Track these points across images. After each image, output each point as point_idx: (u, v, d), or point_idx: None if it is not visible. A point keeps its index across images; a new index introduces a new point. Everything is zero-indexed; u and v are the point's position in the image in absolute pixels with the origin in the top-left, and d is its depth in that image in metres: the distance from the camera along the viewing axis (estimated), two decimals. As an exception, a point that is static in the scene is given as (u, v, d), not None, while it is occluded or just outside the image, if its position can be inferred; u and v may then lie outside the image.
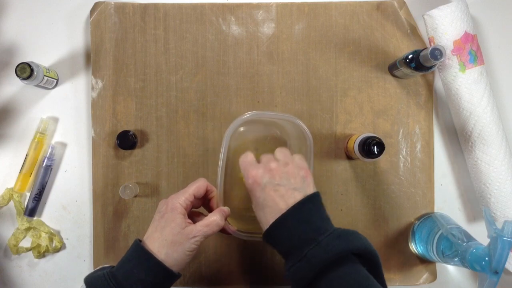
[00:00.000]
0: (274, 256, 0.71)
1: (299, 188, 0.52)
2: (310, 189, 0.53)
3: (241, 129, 0.70)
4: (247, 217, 0.68)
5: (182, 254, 0.52)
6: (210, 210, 0.59)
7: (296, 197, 0.51)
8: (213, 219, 0.55)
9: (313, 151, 0.63)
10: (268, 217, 0.51)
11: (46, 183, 0.72)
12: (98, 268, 0.55)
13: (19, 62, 0.65)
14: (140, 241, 0.54)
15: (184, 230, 0.53)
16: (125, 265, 0.52)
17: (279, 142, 0.70)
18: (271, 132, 0.70)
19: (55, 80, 0.72)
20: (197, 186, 0.56)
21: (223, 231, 0.59)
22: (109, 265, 0.55)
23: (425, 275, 0.72)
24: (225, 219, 0.57)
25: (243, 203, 0.70)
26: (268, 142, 0.70)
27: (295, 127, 0.66)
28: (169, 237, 0.52)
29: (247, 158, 0.57)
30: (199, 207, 0.61)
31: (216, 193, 0.59)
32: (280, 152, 0.57)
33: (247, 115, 0.63)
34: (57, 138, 0.73)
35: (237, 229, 0.61)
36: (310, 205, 0.51)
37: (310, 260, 0.47)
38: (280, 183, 0.52)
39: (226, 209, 0.58)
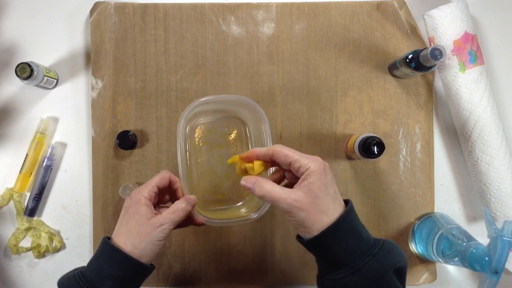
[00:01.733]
0: (274, 256, 0.71)
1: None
2: None
3: (202, 120, 0.70)
4: (215, 207, 0.69)
5: (149, 244, 0.52)
6: (176, 200, 0.59)
7: (342, 203, 0.49)
8: (179, 205, 0.54)
9: (270, 134, 0.62)
10: (338, 208, 0.47)
11: (46, 183, 0.72)
12: (69, 271, 0.55)
13: (19, 62, 0.65)
14: (109, 238, 0.54)
15: (150, 220, 0.52)
16: (94, 263, 0.53)
17: (240, 130, 0.70)
18: (231, 120, 0.71)
19: (55, 80, 0.72)
20: (160, 178, 0.56)
21: (193, 222, 0.58)
22: (81, 266, 0.55)
23: (425, 275, 0.72)
24: (193, 207, 0.57)
25: (210, 194, 0.70)
26: (229, 130, 0.71)
27: (251, 111, 0.64)
28: (135, 228, 0.52)
29: (287, 148, 0.51)
30: (167, 202, 0.60)
31: (180, 184, 0.59)
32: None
33: (201, 100, 0.61)
34: (57, 138, 0.73)
35: (209, 218, 0.60)
36: (354, 213, 0.50)
37: (366, 274, 0.45)
38: (335, 183, 0.50)
39: (192, 197, 0.57)
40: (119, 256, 0.51)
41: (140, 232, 0.52)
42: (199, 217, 0.59)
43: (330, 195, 0.47)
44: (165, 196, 0.60)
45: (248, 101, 0.63)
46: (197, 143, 0.70)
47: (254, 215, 0.61)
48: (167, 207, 0.57)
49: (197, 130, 0.70)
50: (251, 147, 0.69)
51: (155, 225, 0.52)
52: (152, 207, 0.55)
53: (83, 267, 0.53)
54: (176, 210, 0.54)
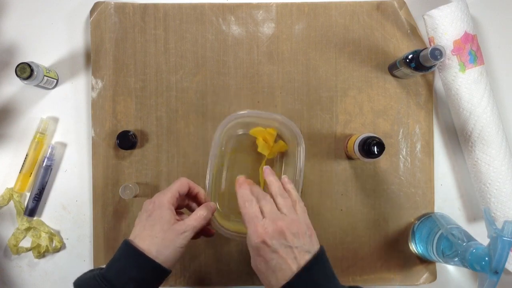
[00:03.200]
0: (274, 256, 0.71)
1: (309, 249, 0.51)
2: (315, 247, 0.52)
3: (240, 131, 0.71)
4: (235, 218, 0.69)
5: (173, 251, 0.53)
6: (198, 205, 0.60)
7: (306, 258, 0.50)
8: (201, 213, 0.56)
9: (303, 150, 0.64)
10: (280, 281, 0.49)
11: (46, 183, 0.72)
12: (86, 272, 0.55)
13: (19, 62, 0.65)
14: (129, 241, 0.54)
15: (174, 226, 0.53)
16: (115, 264, 0.52)
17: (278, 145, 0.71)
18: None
19: (55, 80, 0.72)
20: (180, 184, 0.57)
21: (206, 233, 0.60)
22: (97, 267, 0.55)
23: (425, 275, 0.72)
24: (212, 214, 0.58)
25: (235, 204, 0.70)
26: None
27: (288, 129, 0.66)
28: (160, 234, 0.53)
29: (252, 209, 0.53)
30: (183, 207, 0.62)
31: (201, 190, 0.60)
32: (282, 199, 0.54)
33: (241, 113, 0.64)
34: (57, 138, 0.73)
35: (223, 228, 0.63)
36: (318, 266, 0.50)
37: None
38: (292, 245, 0.50)
39: (212, 204, 0.59)
40: (144, 260, 0.51)
41: (165, 238, 0.52)
42: (215, 224, 0.61)
43: (270, 268, 0.50)
44: (184, 201, 0.61)
45: (287, 121, 0.65)
46: (231, 151, 0.71)
47: None
48: (182, 213, 0.59)
49: (233, 139, 0.71)
50: (284, 164, 0.71)
51: (179, 231, 0.53)
52: (175, 212, 0.55)
53: (100, 269, 0.53)
54: (198, 217, 0.55)
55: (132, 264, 0.51)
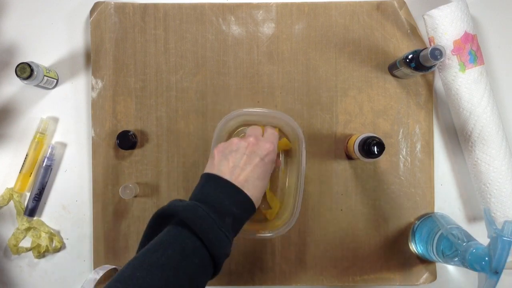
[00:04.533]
0: (275, 255, 0.71)
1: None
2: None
3: (243, 130, 0.71)
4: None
5: (262, 190, 0.56)
6: None
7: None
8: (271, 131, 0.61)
9: (304, 149, 0.64)
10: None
11: (46, 183, 0.72)
12: (161, 208, 0.52)
13: (19, 62, 0.65)
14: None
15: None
16: (213, 195, 0.53)
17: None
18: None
19: (55, 80, 0.72)
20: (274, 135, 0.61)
21: None
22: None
23: (425, 275, 0.72)
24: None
25: None
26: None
27: (289, 127, 0.66)
28: (264, 181, 0.57)
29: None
30: None
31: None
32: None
33: (234, 112, 0.64)
34: (57, 138, 0.73)
35: None
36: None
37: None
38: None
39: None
40: (243, 197, 0.54)
41: (264, 186, 0.57)
42: None
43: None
44: None
45: (285, 117, 0.65)
46: None
47: (268, 234, 0.64)
48: None
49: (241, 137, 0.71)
50: (289, 162, 0.71)
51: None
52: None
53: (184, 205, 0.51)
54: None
55: (231, 199, 0.53)
